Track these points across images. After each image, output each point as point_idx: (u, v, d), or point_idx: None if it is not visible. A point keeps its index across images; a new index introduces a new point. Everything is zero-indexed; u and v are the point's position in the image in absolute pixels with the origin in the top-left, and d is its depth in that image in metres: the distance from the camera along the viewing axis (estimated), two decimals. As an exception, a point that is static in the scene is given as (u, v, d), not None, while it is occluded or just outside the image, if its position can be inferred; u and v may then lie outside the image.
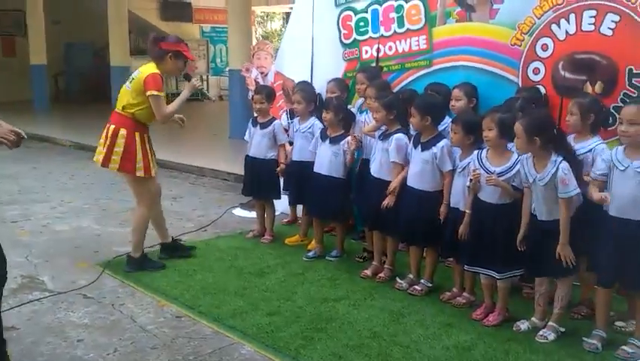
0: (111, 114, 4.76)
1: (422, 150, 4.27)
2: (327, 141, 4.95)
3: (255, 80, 6.21)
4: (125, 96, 4.66)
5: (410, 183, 4.35)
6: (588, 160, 3.74)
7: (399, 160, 4.44)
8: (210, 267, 4.85)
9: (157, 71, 4.63)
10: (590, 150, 3.78)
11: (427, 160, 4.25)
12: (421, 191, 4.28)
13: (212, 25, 19.38)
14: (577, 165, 3.60)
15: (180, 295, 4.27)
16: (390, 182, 4.48)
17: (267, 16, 24.90)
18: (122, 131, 4.59)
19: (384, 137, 4.57)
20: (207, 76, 19.03)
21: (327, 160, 4.94)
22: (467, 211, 3.96)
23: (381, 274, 4.63)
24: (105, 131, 4.66)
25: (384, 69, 5.50)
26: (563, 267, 3.58)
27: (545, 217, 3.62)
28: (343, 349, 3.52)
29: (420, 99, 4.38)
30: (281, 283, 4.54)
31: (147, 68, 4.64)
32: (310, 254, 5.12)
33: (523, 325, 3.82)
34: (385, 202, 4.42)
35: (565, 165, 3.52)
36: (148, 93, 4.54)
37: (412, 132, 4.52)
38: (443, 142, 4.21)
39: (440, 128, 4.40)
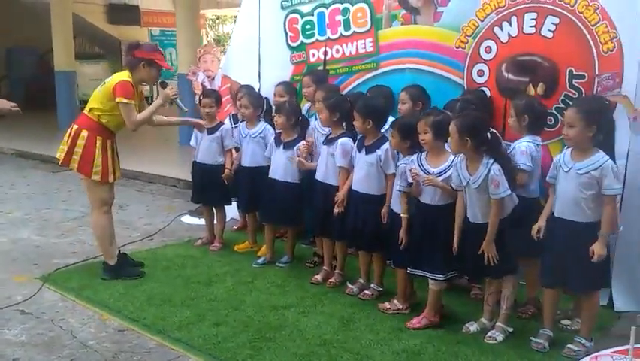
0: (79, 114, 4.72)
1: (367, 154, 4.24)
2: (282, 146, 4.86)
3: (202, 84, 6.11)
4: (94, 99, 4.59)
5: (355, 187, 4.30)
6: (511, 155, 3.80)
7: (345, 165, 4.40)
8: (156, 277, 4.71)
9: (128, 79, 4.53)
10: (514, 148, 3.83)
11: (371, 163, 4.21)
12: (366, 195, 4.25)
13: (161, 28, 18.99)
14: (510, 168, 3.64)
15: (124, 308, 4.13)
16: (336, 187, 4.43)
17: (218, 20, 24.63)
18: (84, 133, 4.51)
19: (329, 141, 4.51)
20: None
21: (281, 165, 4.87)
22: (403, 215, 3.95)
23: (332, 280, 4.58)
24: (69, 130, 4.60)
25: (332, 72, 5.48)
26: (500, 267, 3.60)
27: (481, 220, 3.63)
28: (292, 358, 3.45)
29: (361, 102, 4.32)
30: (229, 291, 4.43)
31: (119, 76, 4.57)
32: (260, 261, 5.04)
33: (472, 326, 3.83)
34: (336, 211, 4.37)
35: (496, 166, 3.54)
36: (117, 100, 4.46)
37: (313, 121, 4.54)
38: (387, 145, 4.17)
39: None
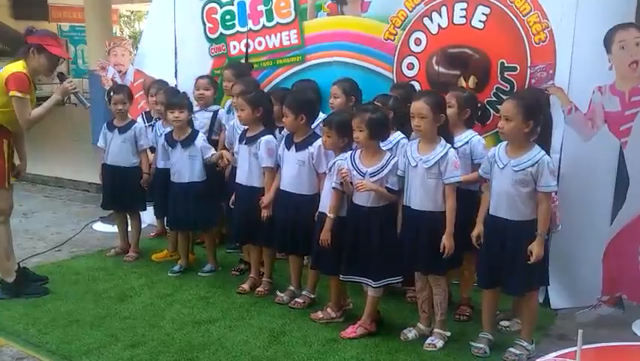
0: None
1: (297, 151, 3.96)
2: (179, 146, 4.48)
3: (112, 79, 5.65)
4: None
5: (285, 187, 4.02)
6: (466, 152, 3.65)
7: (271, 165, 4.10)
8: (63, 293, 4.22)
9: (23, 70, 4.00)
10: (467, 142, 3.69)
11: (302, 161, 3.94)
12: (297, 195, 3.97)
13: (71, 23, 17.99)
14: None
15: (24, 331, 3.65)
16: (261, 188, 4.13)
17: (133, 15, 23.67)
18: None
19: (249, 140, 4.19)
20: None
21: (184, 166, 4.52)
22: (330, 215, 3.69)
23: (260, 288, 4.27)
24: None
25: (255, 66, 5.17)
26: (447, 262, 3.42)
27: (423, 207, 3.43)
28: (217, 381, 3.12)
29: (291, 97, 4.06)
30: (146, 307, 4.02)
31: (13, 67, 4.02)
32: (175, 268, 4.66)
33: (410, 333, 3.63)
34: (264, 215, 4.08)
35: (454, 150, 3.41)
36: (10, 94, 3.93)
37: (281, 133, 4.21)
38: (319, 141, 3.91)
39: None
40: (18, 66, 4.02)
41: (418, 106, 3.39)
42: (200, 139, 4.55)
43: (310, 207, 3.92)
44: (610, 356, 2.42)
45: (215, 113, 5.01)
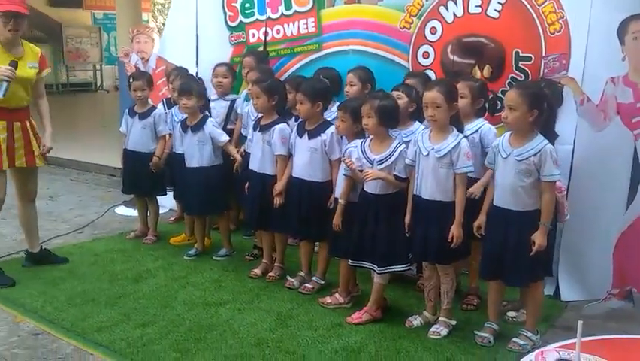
0: None
1: (310, 138, 4.00)
2: (189, 131, 4.55)
3: (135, 66, 5.75)
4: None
5: (298, 174, 4.06)
6: (475, 141, 3.63)
7: (284, 152, 4.14)
8: (81, 274, 4.36)
9: None
10: (477, 131, 3.67)
11: (315, 149, 3.98)
12: (310, 182, 4.01)
13: (104, 11, 18.29)
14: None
15: (41, 308, 3.78)
16: (274, 176, 4.18)
17: (168, 4, 23.91)
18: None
19: (263, 128, 4.24)
20: (101, 65, 18.02)
21: (195, 152, 4.58)
22: (340, 201, 3.73)
23: (271, 273, 4.34)
24: None
25: (273, 54, 5.22)
26: (445, 252, 3.43)
27: (435, 196, 3.43)
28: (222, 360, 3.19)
29: (308, 84, 4.09)
30: (160, 288, 4.12)
31: None
32: (191, 252, 4.75)
33: (416, 320, 3.65)
34: (277, 202, 4.13)
35: (467, 140, 3.40)
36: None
37: (292, 122, 4.25)
38: (331, 129, 3.95)
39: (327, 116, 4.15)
40: None
41: (433, 95, 3.37)
42: (209, 125, 4.58)
43: (322, 194, 3.97)
44: (611, 347, 2.41)
45: (233, 102, 5.07)
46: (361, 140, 3.72)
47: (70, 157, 8.20)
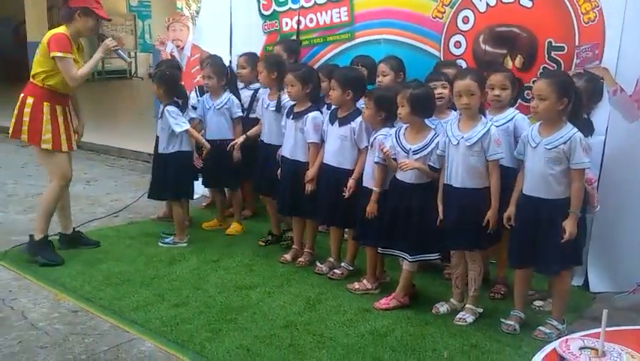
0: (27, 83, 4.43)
1: (340, 126, 4.05)
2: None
3: (171, 54, 5.84)
4: (35, 64, 4.32)
5: (328, 160, 4.13)
6: (509, 129, 3.63)
7: (317, 140, 4.21)
8: (118, 255, 4.51)
9: (63, 31, 4.25)
10: (511, 120, 3.66)
11: (345, 136, 4.03)
12: (340, 169, 4.07)
13: (139, -1, 18.52)
14: None
15: (80, 288, 3.94)
16: (305, 163, 4.26)
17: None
18: (29, 100, 4.27)
19: (297, 116, 4.30)
20: (136, 52, 18.25)
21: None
22: (375, 189, 3.78)
23: (301, 259, 4.42)
24: (18, 102, 4.34)
25: (306, 42, 5.28)
26: (476, 239, 3.48)
27: (466, 184, 3.46)
28: (252, 341, 3.29)
29: (341, 72, 4.14)
30: (193, 271, 4.25)
31: (54, 30, 4.28)
32: (167, 240, 4.78)
33: (442, 307, 3.69)
34: (308, 188, 4.21)
35: (495, 128, 3.43)
36: (52, 55, 4.18)
37: (325, 110, 4.31)
38: (361, 117, 4.00)
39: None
40: (59, 29, 4.27)
41: (467, 83, 3.40)
42: (166, 114, 4.63)
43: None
44: (636, 338, 2.41)
45: (256, 91, 5.10)
46: (396, 128, 3.75)
47: (107, 143, 8.41)
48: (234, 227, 5.09)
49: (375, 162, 3.78)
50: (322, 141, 4.22)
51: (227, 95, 4.97)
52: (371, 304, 3.74)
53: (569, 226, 3.17)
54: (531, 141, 3.28)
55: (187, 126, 4.70)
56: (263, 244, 4.80)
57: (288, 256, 4.48)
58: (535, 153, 3.25)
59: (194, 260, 4.45)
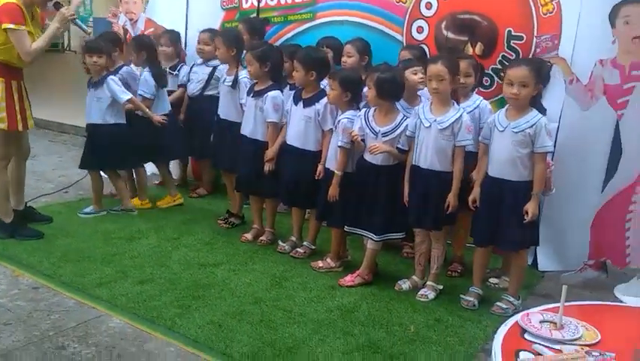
0: None
1: (304, 107, 4.06)
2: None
3: (124, 27, 5.68)
4: None
5: (291, 142, 4.13)
6: (475, 116, 3.75)
7: (276, 119, 4.20)
8: (73, 232, 4.39)
9: (14, 1, 3.94)
10: (477, 107, 3.80)
11: (309, 117, 4.04)
12: (303, 150, 4.09)
13: (75, -32, 17.69)
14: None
15: (39, 264, 3.82)
16: (265, 142, 4.25)
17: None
18: None
19: (257, 94, 4.28)
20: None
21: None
22: (337, 173, 3.81)
23: (263, 238, 4.44)
24: None
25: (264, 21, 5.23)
26: (440, 218, 3.60)
27: (433, 166, 3.56)
28: (223, 316, 3.30)
29: (304, 53, 4.13)
30: (153, 248, 4.20)
31: (3, 0, 3.95)
32: (87, 209, 4.82)
33: (405, 284, 3.82)
34: (267, 168, 4.21)
35: (467, 115, 3.52)
36: (3, 27, 3.89)
37: (287, 90, 4.32)
38: (326, 99, 4.03)
39: None
40: None
41: (438, 68, 3.47)
42: (111, 83, 4.59)
43: (314, 163, 4.05)
44: (590, 312, 2.59)
45: (215, 68, 5.06)
46: (364, 110, 3.80)
47: (46, 118, 8.07)
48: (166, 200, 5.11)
49: (339, 146, 3.81)
50: (283, 122, 4.22)
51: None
52: (336, 282, 3.82)
53: (531, 208, 3.33)
54: (498, 125, 3.41)
55: (130, 95, 4.63)
56: (223, 223, 4.76)
57: (249, 236, 4.49)
58: (502, 136, 3.39)
59: (153, 238, 4.40)
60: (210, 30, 5.15)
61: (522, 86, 3.27)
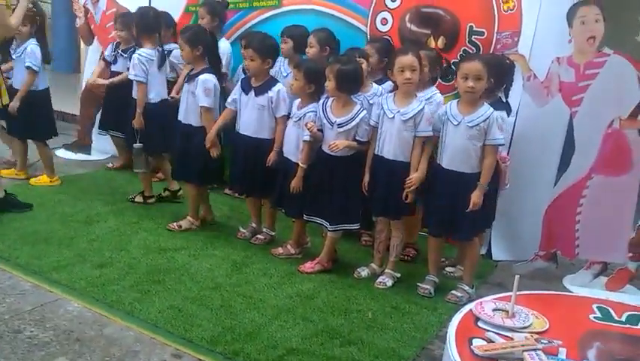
0: None
1: (256, 95, 4.00)
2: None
3: (85, 7, 5.58)
4: None
5: (244, 131, 4.06)
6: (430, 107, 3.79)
7: (207, 104, 4.10)
8: (30, 214, 4.32)
9: None
10: (429, 98, 3.81)
11: (263, 106, 3.98)
12: (257, 139, 4.03)
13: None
14: None
15: (-7, 246, 3.75)
16: (198, 127, 4.18)
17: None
18: None
19: (190, 79, 4.20)
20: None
21: None
22: (301, 165, 3.81)
23: (181, 222, 4.39)
24: None
25: (231, 6, 5.21)
26: (404, 208, 3.67)
27: (396, 157, 3.61)
28: (183, 301, 3.31)
29: (258, 40, 4.05)
30: (113, 232, 4.17)
31: None
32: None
33: (364, 271, 3.89)
34: (213, 154, 4.11)
35: (428, 107, 3.57)
36: None
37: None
38: (279, 86, 3.99)
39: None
40: None
41: (411, 59, 3.51)
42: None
43: (269, 152, 4.00)
44: (538, 301, 2.72)
45: (169, 52, 4.91)
46: (322, 100, 3.80)
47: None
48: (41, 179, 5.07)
49: (304, 140, 3.79)
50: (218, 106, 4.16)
51: (27, 44, 4.78)
52: (295, 268, 3.87)
53: (475, 197, 3.41)
54: (452, 119, 3.47)
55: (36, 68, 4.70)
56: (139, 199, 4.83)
57: (178, 224, 4.37)
58: (456, 130, 3.45)
59: (112, 221, 4.36)
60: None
61: (477, 80, 3.34)
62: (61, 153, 5.94)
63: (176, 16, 5.36)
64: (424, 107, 3.56)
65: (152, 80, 4.56)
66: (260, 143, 4.05)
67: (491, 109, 3.43)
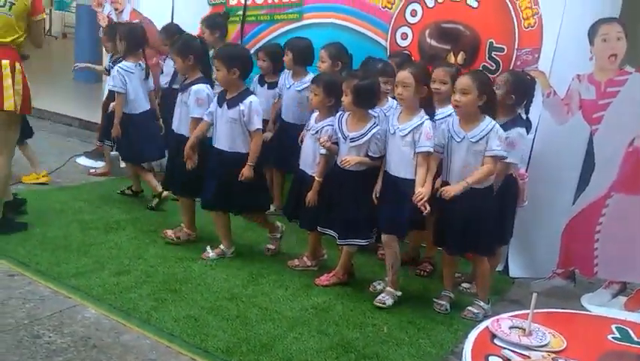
0: None
1: (229, 108, 3.87)
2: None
3: (109, 17, 5.66)
4: (7, 27, 3.85)
5: (219, 145, 3.94)
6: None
7: (197, 115, 4.01)
8: (50, 221, 4.37)
9: None
10: (450, 115, 3.78)
11: (234, 119, 3.85)
12: (231, 153, 3.90)
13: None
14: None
15: (14, 251, 3.80)
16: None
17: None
18: (18, 66, 3.95)
19: (183, 88, 4.16)
20: (50, 10, 17.26)
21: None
22: (317, 179, 3.80)
23: (176, 233, 4.31)
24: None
25: (252, 19, 5.30)
26: (397, 224, 3.62)
27: (399, 173, 3.58)
28: (199, 311, 3.33)
29: (223, 50, 4.00)
30: (131, 240, 4.21)
31: None
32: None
33: (379, 285, 3.87)
34: (188, 165, 3.98)
35: (430, 122, 3.53)
36: (39, 18, 3.96)
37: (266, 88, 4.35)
38: (251, 98, 3.88)
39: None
40: None
41: (404, 75, 3.50)
42: None
43: (242, 166, 3.86)
44: (558, 320, 2.69)
45: None
46: (339, 114, 3.80)
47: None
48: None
49: (321, 154, 3.77)
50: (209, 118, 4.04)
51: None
52: (311, 281, 3.87)
53: (452, 190, 3.36)
54: (455, 136, 3.47)
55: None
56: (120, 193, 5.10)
57: (170, 232, 4.30)
58: (460, 146, 3.44)
59: (131, 229, 4.40)
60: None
61: (463, 94, 3.35)
62: (82, 161, 6.02)
63: (204, 12, 5.43)
64: (422, 123, 3.51)
65: (133, 91, 4.76)
66: (234, 157, 3.90)
67: (492, 122, 3.42)
